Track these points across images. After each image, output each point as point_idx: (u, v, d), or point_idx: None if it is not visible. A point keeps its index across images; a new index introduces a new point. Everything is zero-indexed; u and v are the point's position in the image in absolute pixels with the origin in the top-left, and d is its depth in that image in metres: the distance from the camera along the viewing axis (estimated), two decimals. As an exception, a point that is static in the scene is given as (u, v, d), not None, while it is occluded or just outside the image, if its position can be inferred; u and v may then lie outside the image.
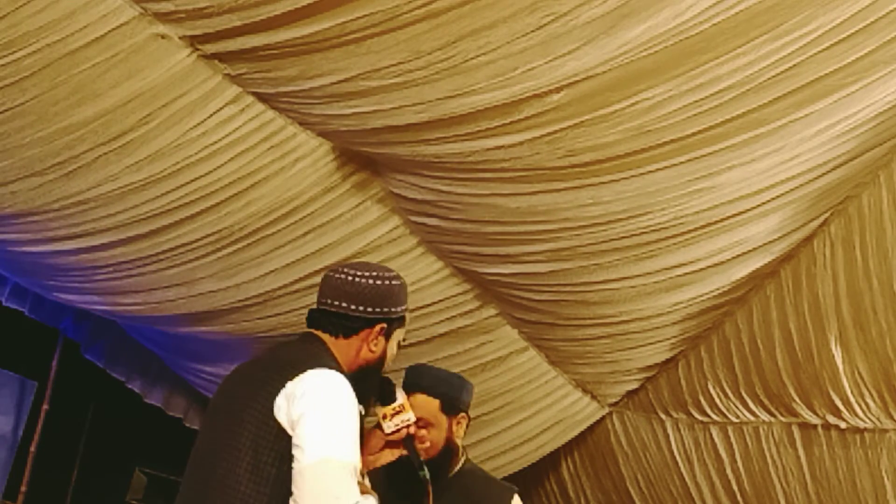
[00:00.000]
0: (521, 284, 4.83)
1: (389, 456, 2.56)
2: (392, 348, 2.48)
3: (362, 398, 2.37)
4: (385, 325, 2.43)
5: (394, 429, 2.53)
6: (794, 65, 3.33)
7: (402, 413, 2.54)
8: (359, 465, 2.18)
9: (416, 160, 3.95)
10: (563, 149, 3.66)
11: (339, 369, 2.32)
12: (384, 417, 2.54)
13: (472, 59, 3.20)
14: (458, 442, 3.14)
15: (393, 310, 2.46)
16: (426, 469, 2.59)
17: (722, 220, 4.25)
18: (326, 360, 2.31)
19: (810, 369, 4.95)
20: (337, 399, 2.21)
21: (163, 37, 3.35)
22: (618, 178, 3.86)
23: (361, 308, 2.42)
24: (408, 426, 2.54)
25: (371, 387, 2.47)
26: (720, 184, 3.96)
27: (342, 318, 2.42)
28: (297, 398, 2.19)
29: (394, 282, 2.50)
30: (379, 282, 2.47)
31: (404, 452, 2.59)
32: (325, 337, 2.42)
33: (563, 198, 4.02)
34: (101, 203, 4.04)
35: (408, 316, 2.58)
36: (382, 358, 2.46)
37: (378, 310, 2.43)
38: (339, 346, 2.40)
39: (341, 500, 2.05)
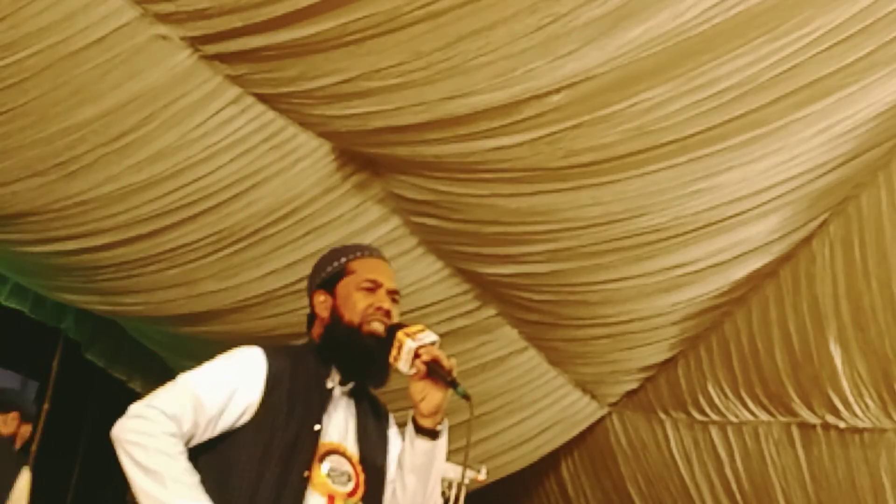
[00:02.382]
0: (521, 284, 4.83)
1: (439, 394, 2.27)
2: (351, 298, 2.38)
3: (351, 356, 2.34)
4: (322, 291, 2.45)
5: (408, 365, 2.25)
6: (794, 65, 3.34)
7: (403, 346, 2.26)
8: (199, 393, 2.19)
9: (416, 160, 3.95)
10: (563, 149, 3.67)
11: (294, 349, 2.43)
12: (395, 360, 2.28)
13: (472, 59, 3.21)
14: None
15: (320, 276, 2.48)
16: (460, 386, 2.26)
17: (721, 220, 4.25)
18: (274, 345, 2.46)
19: (809, 369, 4.95)
20: (223, 355, 2.36)
21: (164, 38, 3.36)
22: (618, 179, 3.87)
23: (307, 301, 2.54)
24: (416, 356, 2.25)
25: (349, 342, 2.34)
26: (720, 184, 3.96)
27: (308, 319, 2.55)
28: None
29: (317, 260, 2.55)
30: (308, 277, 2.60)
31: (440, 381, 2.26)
32: (311, 334, 2.50)
33: (564, 198, 4.03)
34: (102, 203, 4.05)
35: (354, 263, 2.44)
36: (336, 312, 2.38)
37: (311, 290, 2.50)
38: (315, 334, 2.46)
39: (152, 399, 2.19)
